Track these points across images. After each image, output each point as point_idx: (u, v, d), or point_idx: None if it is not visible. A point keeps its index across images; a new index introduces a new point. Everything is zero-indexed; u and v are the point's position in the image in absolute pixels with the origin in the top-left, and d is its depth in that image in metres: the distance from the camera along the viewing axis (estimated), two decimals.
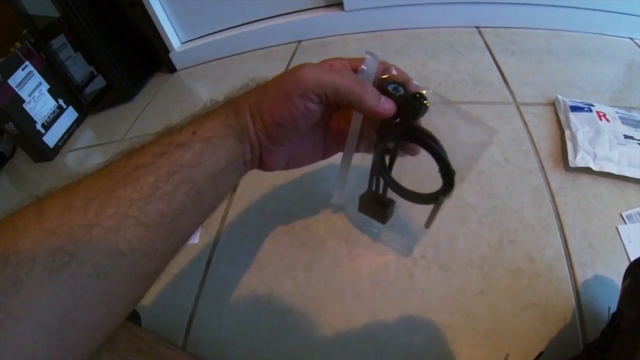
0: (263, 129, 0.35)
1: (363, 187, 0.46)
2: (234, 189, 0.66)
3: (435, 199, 0.41)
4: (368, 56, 0.37)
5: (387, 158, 0.43)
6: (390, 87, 0.37)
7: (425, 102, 0.36)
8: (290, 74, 0.34)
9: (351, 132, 0.42)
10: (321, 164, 0.46)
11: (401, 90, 0.37)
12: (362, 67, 0.37)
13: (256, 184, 0.65)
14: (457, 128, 0.40)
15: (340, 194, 0.48)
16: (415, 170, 0.42)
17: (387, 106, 0.36)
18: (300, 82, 0.34)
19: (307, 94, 0.34)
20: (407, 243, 0.51)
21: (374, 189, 0.45)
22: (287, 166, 0.42)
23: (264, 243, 0.56)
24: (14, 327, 0.23)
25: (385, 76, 0.38)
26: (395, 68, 0.39)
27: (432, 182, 0.39)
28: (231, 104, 0.35)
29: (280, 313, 0.49)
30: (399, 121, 0.38)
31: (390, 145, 0.41)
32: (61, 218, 0.26)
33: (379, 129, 0.40)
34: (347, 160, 0.44)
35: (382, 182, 0.44)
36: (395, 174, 0.44)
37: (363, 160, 0.45)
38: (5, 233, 0.25)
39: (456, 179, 0.38)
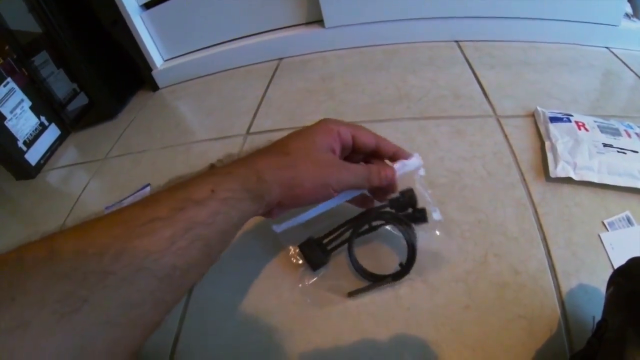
0: (289, 201, 0.40)
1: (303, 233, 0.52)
2: None
3: (380, 279, 0.48)
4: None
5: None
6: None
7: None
8: (332, 169, 0.41)
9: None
10: None
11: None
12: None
13: None
14: None
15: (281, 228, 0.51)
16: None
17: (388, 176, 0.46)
18: (340, 182, 0.42)
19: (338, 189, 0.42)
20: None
21: (324, 241, 0.51)
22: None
23: (248, 262, 0.56)
24: None
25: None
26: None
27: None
28: (252, 170, 0.37)
29: (266, 332, 0.48)
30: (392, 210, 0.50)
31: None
32: (74, 262, 0.26)
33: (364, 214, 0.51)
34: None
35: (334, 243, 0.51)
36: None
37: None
38: (12, 269, 0.25)
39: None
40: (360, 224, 0.50)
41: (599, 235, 0.50)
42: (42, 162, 0.95)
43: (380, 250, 0.52)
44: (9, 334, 0.22)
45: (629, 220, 0.51)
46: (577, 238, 0.51)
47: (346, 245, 0.50)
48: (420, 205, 0.50)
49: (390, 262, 0.50)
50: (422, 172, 0.50)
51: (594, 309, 0.41)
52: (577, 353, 0.37)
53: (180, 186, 0.34)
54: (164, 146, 0.85)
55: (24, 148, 0.91)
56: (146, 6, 1.00)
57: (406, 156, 0.48)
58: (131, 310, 0.27)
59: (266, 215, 0.42)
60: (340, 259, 0.52)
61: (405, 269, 0.48)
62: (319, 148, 0.41)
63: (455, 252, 0.51)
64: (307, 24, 1.02)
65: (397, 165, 0.47)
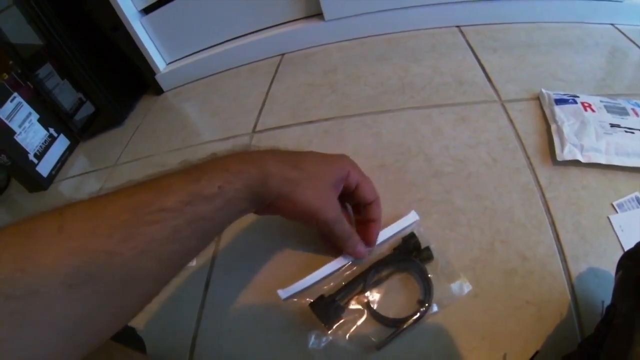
0: (278, 210, 0.44)
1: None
2: None
3: (399, 323, 0.45)
4: None
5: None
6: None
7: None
8: (327, 206, 0.45)
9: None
10: None
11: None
12: None
13: None
14: None
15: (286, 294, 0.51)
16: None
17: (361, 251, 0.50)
18: (326, 224, 0.45)
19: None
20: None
21: (336, 298, 0.48)
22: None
23: (258, 261, 0.56)
24: (28, 327, 0.25)
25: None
26: None
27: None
28: (262, 171, 0.40)
29: (278, 330, 0.49)
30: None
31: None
32: (84, 240, 0.28)
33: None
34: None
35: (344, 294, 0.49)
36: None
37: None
38: (23, 240, 0.27)
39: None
40: (370, 276, 0.49)
41: (608, 218, 0.50)
42: (53, 173, 0.97)
43: (394, 294, 0.49)
44: (19, 299, 0.24)
45: (638, 201, 0.50)
46: (585, 221, 0.50)
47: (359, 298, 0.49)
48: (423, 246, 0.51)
49: (407, 302, 0.48)
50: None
51: (605, 293, 0.41)
52: (586, 339, 0.37)
53: (192, 175, 0.36)
54: (171, 149, 0.86)
55: (35, 160, 0.92)
56: (145, 11, 1.01)
57: (375, 230, 0.52)
58: (133, 284, 0.31)
59: (256, 212, 0.45)
60: (353, 313, 0.49)
61: (425, 304, 0.46)
62: (327, 177, 0.45)
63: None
64: (307, 17, 1.01)
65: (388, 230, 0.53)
